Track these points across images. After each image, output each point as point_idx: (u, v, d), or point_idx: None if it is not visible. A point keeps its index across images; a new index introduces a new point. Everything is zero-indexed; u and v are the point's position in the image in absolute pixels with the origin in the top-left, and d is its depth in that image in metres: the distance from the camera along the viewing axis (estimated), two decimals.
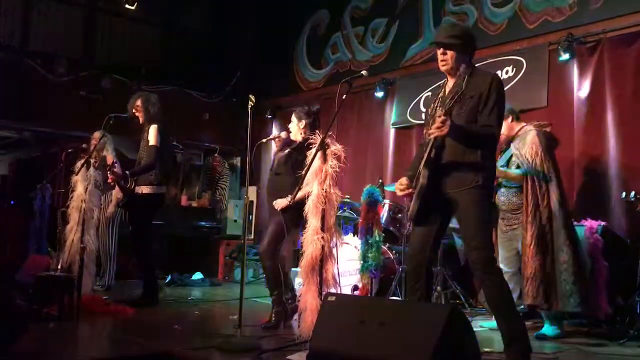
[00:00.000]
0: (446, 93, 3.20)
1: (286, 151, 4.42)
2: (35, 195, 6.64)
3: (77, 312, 4.30)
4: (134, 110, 5.20)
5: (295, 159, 4.29)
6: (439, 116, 2.93)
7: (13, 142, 10.26)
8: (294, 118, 4.48)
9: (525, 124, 4.44)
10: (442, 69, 3.24)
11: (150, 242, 5.24)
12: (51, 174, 6.55)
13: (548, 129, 4.43)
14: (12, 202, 9.42)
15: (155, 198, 5.12)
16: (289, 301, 4.37)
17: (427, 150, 3.06)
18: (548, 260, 4.07)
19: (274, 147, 4.49)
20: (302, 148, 4.17)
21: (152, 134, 5.05)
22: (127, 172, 5.06)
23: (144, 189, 5.07)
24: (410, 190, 3.16)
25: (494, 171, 3.22)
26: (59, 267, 4.54)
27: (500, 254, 4.42)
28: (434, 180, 3.06)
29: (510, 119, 4.40)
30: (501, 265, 4.37)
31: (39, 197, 6.73)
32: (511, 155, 4.40)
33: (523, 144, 4.28)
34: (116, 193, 5.82)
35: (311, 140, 3.86)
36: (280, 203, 4.24)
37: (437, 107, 3.20)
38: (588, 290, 4.09)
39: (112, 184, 5.22)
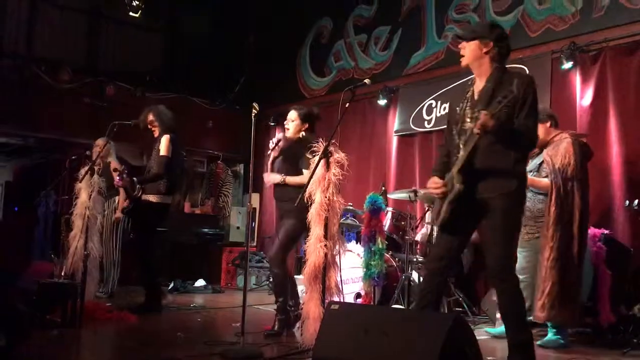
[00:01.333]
0: (475, 93, 3.10)
1: (283, 153, 4.42)
2: (39, 202, 6.67)
3: (80, 318, 4.30)
4: (149, 126, 5.30)
5: (293, 155, 4.33)
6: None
7: (17, 148, 10.29)
8: (295, 116, 4.43)
9: (561, 131, 4.38)
10: (462, 64, 3.15)
11: (154, 250, 5.25)
12: (55, 180, 6.57)
13: (584, 140, 4.37)
14: (16, 209, 9.46)
15: (161, 207, 5.17)
16: (292, 309, 4.37)
17: (465, 154, 2.92)
18: (569, 275, 4.02)
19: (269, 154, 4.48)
20: (298, 145, 4.28)
21: (163, 144, 5.13)
22: (135, 179, 5.10)
23: (151, 198, 5.12)
24: (445, 190, 3.03)
25: (526, 177, 3.15)
26: (63, 273, 4.57)
27: (518, 262, 4.32)
28: (469, 186, 2.96)
29: (548, 124, 4.35)
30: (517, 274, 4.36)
31: (42, 204, 6.77)
32: (542, 162, 4.33)
33: (556, 152, 4.22)
34: (121, 200, 5.85)
35: (307, 141, 3.96)
36: (273, 178, 4.27)
37: (466, 107, 3.09)
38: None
39: (118, 187, 5.24)
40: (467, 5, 6.52)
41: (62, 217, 5.93)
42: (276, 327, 4.23)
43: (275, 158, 4.47)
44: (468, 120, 3.04)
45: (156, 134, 5.31)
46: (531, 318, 4.19)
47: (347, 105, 3.58)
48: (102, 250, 5.25)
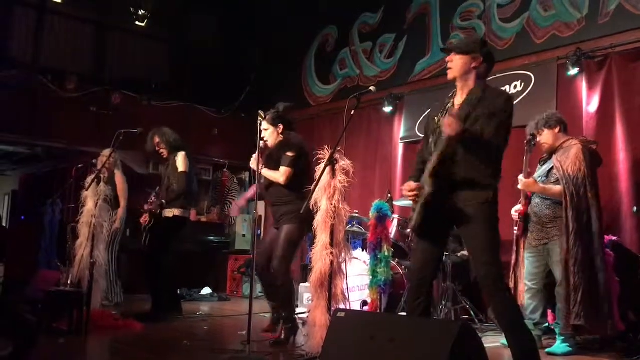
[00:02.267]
0: (455, 105, 3.10)
1: (267, 160, 4.46)
2: (46, 210, 6.68)
3: (87, 327, 4.31)
4: (157, 149, 5.46)
5: (277, 158, 4.38)
6: (451, 114, 2.84)
7: (24, 157, 10.35)
8: (267, 125, 4.46)
9: (571, 137, 4.36)
10: (449, 76, 3.16)
11: (169, 260, 5.36)
12: (61, 189, 6.59)
13: (594, 147, 4.34)
14: (22, 217, 9.49)
15: (181, 220, 5.35)
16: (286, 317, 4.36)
17: (436, 158, 2.94)
18: (593, 279, 4.00)
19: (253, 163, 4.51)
20: (277, 149, 4.39)
21: (180, 161, 5.31)
22: (164, 201, 5.29)
23: (169, 212, 5.29)
24: (417, 193, 3.04)
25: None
26: (69, 282, 4.57)
27: (526, 268, 4.32)
28: (441, 191, 2.98)
29: (557, 129, 4.33)
30: (525, 281, 4.33)
31: (49, 212, 6.78)
32: (552, 167, 4.30)
33: (566, 158, 4.19)
34: (120, 212, 5.92)
35: (284, 141, 4.12)
36: (254, 160, 4.33)
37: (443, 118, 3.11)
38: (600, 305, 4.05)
39: (149, 210, 5.41)
40: (472, 12, 6.53)
41: (69, 226, 5.94)
42: (283, 335, 4.21)
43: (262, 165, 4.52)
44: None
45: (164, 155, 5.47)
46: (548, 325, 4.17)
47: (352, 112, 3.58)
48: (107, 258, 5.27)
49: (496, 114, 2.95)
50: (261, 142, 4.39)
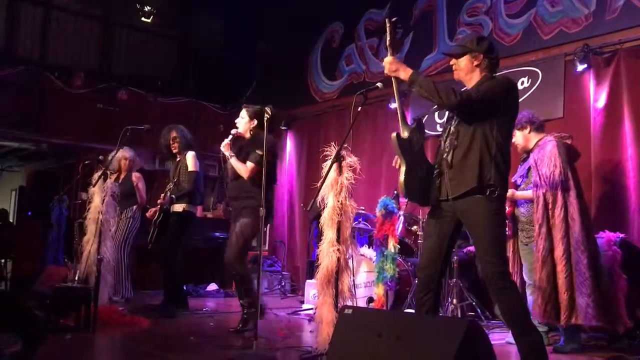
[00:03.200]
0: None
1: (238, 149, 4.59)
2: (53, 206, 6.70)
3: (94, 323, 4.32)
4: (170, 142, 5.56)
5: (246, 153, 4.51)
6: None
7: (31, 153, 10.39)
8: (244, 114, 4.63)
9: (545, 135, 4.38)
10: (455, 77, 3.25)
11: (177, 256, 5.42)
12: (68, 185, 6.61)
13: (569, 141, 4.38)
14: (29, 213, 9.52)
15: (188, 215, 5.43)
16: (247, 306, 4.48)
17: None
18: (563, 275, 4.01)
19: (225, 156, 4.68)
20: (248, 143, 4.53)
21: (190, 161, 5.46)
22: (173, 197, 5.36)
23: (178, 207, 5.37)
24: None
25: (507, 178, 3.16)
26: (76, 278, 4.59)
27: (524, 266, 4.38)
28: (442, 186, 3.06)
29: (527, 130, 4.36)
30: (525, 277, 4.36)
31: (56, 209, 6.79)
32: (530, 166, 4.35)
33: (542, 156, 4.23)
34: (136, 208, 5.96)
35: (255, 138, 4.28)
36: (226, 144, 4.51)
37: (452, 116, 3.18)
38: (607, 302, 4.04)
39: (160, 205, 5.47)
40: (479, 8, 6.50)
41: (76, 222, 5.96)
42: (241, 325, 4.40)
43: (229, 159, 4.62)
44: (452, 123, 3.14)
45: (175, 150, 5.55)
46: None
47: (359, 109, 3.57)
48: (115, 256, 5.29)
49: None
50: (234, 130, 4.59)
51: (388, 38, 3.24)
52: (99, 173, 4.83)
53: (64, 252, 6.79)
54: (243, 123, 4.63)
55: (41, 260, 6.80)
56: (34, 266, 6.66)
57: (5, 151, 10.59)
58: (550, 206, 4.12)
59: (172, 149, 5.56)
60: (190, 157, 5.46)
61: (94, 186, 4.83)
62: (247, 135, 4.64)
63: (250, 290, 4.44)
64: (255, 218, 4.32)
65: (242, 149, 4.58)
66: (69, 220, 7.05)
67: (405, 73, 3.10)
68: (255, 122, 4.60)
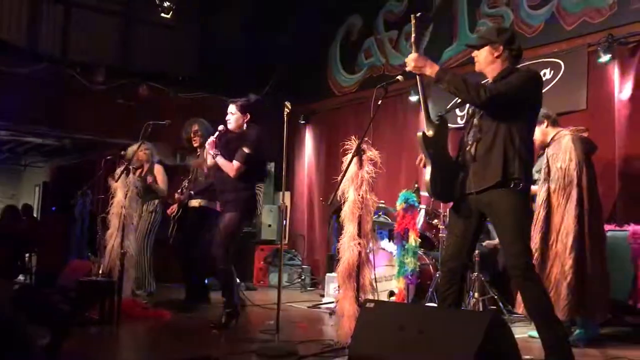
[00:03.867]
0: None
1: (223, 148, 4.54)
2: (76, 201, 6.78)
3: (118, 316, 4.38)
4: (192, 135, 5.57)
5: (234, 149, 4.46)
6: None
7: (53, 149, 10.53)
8: (234, 109, 4.56)
9: (561, 129, 4.33)
10: (476, 68, 3.23)
11: (197, 251, 5.42)
12: (91, 180, 6.69)
13: (585, 134, 4.31)
14: (53, 209, 9.66)
15: (207, 210, 5.43)
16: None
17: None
18: (573, 270, 3.95)
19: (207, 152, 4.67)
20: (238, 139, 4.47)
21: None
22: (192, 192, 5.40)
23: (200, 202, 5.40)
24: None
25: (531, 171, 3.14)
26: (100, 272, 4.65)
27: None
28: (466, 179, 3.04)
29: (545, 125, 4.29)
30: None
31: (79, 204, 6.87)
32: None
33: (557, 150, 4.17)
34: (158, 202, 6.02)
35: (246, 135, 4.32)
36: (211, 142, 4.45)
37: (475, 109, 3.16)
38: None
39: (179, 200, 5.56)
40: None
41: (99, 217, 6.03)
42: (224, 320, 4.33)
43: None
44: (475, 116, 3.12)
45: (196, 144, 5.56)
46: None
47: (379, 102, 3.56)
48: (137, 250, 5.34)
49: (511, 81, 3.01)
50: (221, 126, 4.54)
51: (413, 35, 3.19)
52: (122, 168, 4.88)
53: (88, 247, 6.87)
54: (234, 119, 4.55)
55: (65, 255, 6.89)
56: (58, 260, 6.75)
57: (29, 147, 10.75)
58: (558, 200, 4.05)
59: (194, 142, 5.57)
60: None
61: (116, 181, 4.87)
62: (237, 130, 4.56)
63: (230, 287, 4.42)
64: (241, 212, 4.38)
65: (228, 143, 4.52)
66: (92, 215, 7.13)
67: (432, 70, 3.06)
68: (248, 115, 4.57)
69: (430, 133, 3.11)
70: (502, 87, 2.98)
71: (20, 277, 7.69)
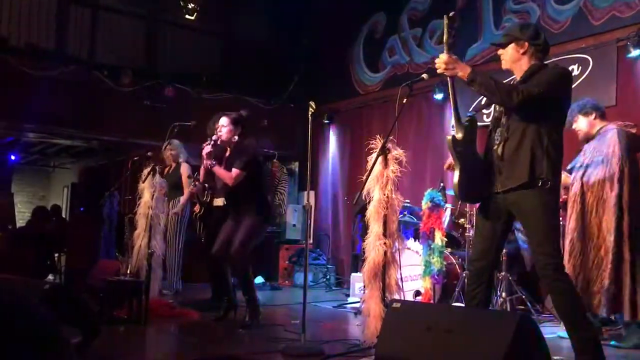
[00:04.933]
0: None
1: (225, 156, 4.59)
2: (104, 202, 6.87)
3: (146, 315, 4.42)
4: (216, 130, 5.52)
5: (232, 161, 4.48)
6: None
7: (81, 150, 10.70)
8: (226, 122, 4.56)
9: (608, 123, 4.22)
10: (502, 66, 3.20)
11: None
12: (118, 181, 6.78)
13: (633, 130, 4.19)
14: (81, 209, 9.82)
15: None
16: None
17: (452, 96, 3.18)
18: (610, 267, 3.88)
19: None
20: (234, 151, 4.52)
21: None
22: (206, 185, 5.33)
23: (222, 201, 5.34)
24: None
25: (560, 170, 3.10)
26: (128, 271, 4.70)
27: None
28: (493, 178, 3.01)
29: (593, 116, 4.19)
30: None
31: (107, 204, 6.96)
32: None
33: (602, 142, 4.09)
34: (183, 199, 6.04)
35: (241, 145, 4.43)
36: (207, 153, 4.45)
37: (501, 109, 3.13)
38: None
39: (192, 193, 5.59)
40: None
41: (126, 217, 6.10)
42: (247, 318, 4.41)
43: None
44: (503, 116, 3.09)
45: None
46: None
47: (404, 101, 3.54)
48: (165, 249, 5.39)
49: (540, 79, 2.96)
50: (215, 136, 4.55)
51: (445, 35, 3.15)
52: (148, 169, 4.93)
53: (116, 247, 6.97)
54: (226, 131, 4.56)
55: (93, 255, 6.99)
56: (86, 260, 6.85)
57: (58, 149, 10.94)
58: (597, 195, 3.98)
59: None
60: None
61: (143, 182, 4.92)
62: (231, 142, 4.58)
63: (251, 286, 4.54)
64: (262, 217, 4.50)
65: (228, 159, 4.56)
66: (120, 216, 7.23)
67: (463, 72, 3.02)
68: (240, 129, 4.58)
69: (459, 136, 3.08)
70: (534, 89, 2.92)
71: (50, 277, 7.83)
